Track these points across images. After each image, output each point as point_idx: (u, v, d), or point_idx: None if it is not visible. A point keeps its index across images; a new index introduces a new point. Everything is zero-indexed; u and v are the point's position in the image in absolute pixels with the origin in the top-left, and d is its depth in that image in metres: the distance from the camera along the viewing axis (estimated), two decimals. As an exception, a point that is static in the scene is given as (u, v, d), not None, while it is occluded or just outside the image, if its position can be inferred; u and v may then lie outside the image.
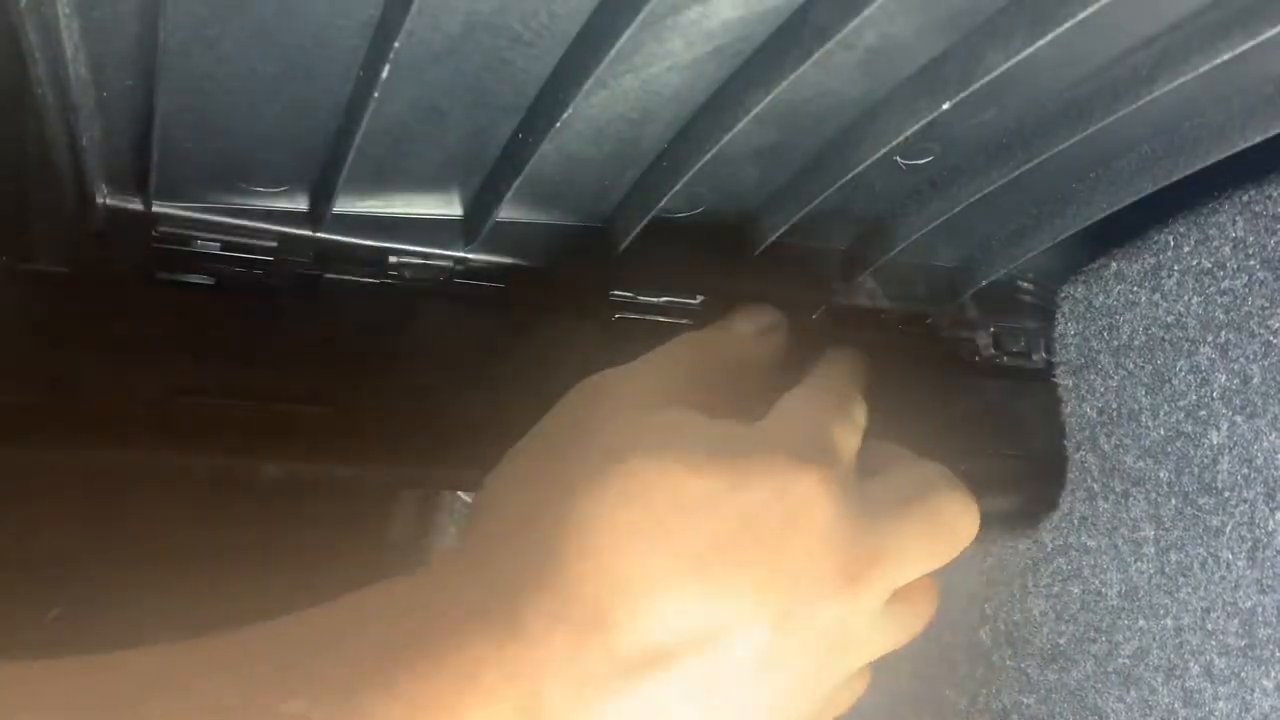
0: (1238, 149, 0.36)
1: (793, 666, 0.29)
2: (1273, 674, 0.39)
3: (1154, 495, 0.43)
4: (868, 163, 0.35)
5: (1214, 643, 0.41)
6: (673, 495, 0.28)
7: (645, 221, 0.37)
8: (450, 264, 0.38)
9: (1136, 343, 0.43)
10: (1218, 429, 0.40)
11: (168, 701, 0.24)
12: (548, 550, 0.27)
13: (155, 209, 0.33)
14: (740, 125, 0.32)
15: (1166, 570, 0.43)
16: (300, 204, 0.35)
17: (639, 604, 0.27)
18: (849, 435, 0.33)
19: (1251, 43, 0.30)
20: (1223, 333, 0.40)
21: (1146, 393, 0.43)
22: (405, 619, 0.27)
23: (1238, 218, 0.40)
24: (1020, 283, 0.49)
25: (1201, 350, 0.41)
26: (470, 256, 0.38)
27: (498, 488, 0.33)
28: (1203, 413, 0.41)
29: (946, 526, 0.34)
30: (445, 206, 0.37)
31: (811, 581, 0.29)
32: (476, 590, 0.27)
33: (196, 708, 0.24)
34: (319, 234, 0.35)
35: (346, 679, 0.25)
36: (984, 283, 0.46)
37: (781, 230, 0.40)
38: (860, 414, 0.35)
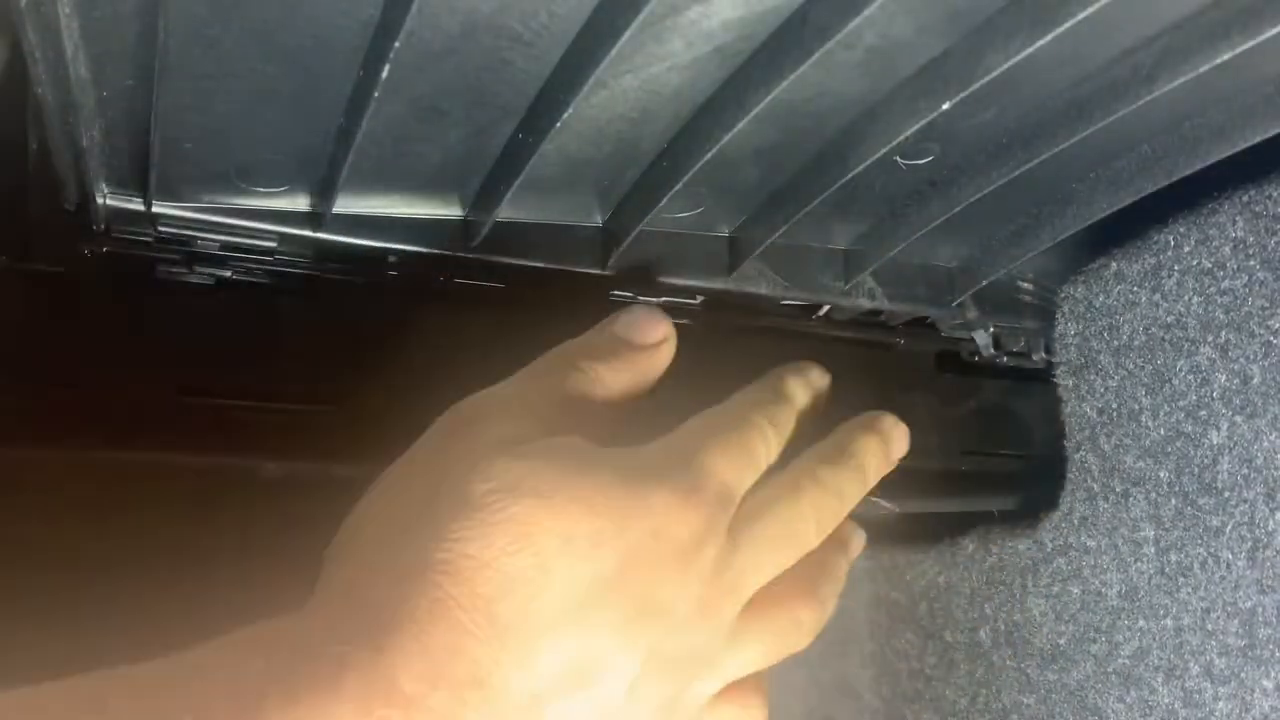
0: (1238, 149, 0.36)
1: (659, 695, 0.29)
2: (1273, 674, 0.39)
3: (1154, 495, 0.43)
4: (868, 163, 0.35)
5: (1214, 643, 0.41)
6: (560, 540, 0.27)
7: (645, 221, 0.37)
8: (450, 264, 0.38)
9: (1136, 343, 0.43)
10: (1218, 429, 0.40)
11: None
12: (423, 594, 0.26)
13: (155, 209, 0.33)
14: (740, 125, 0.32)
15: (1166, 570, 0.43)
16: (300, 204, 0.35)
17: (523, 656, 0.26)
18: (740, 472, 0.32)
19: (1251, 43, 0.30)
20: (1223, 333, 0.40)
21: (1146, 393, 0.43)
22: (269, 673, 0.25)
23: (1238, 218, 0.40)
24: (1020, 283, 0.49)
25: (1201, 350, 0.41)
26: (470, 256, 0.38)
27: (367, 521, 0.30)
28: (1203, 413, 0.41)
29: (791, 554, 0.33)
30: (445, 206, 0.37)
31: (677, 615, 0.29)
32: (341, 643, 0.25)
33: None
34: (319, 234, 0.35)
35: None
36: (984, 283, 0.46)
37: (781, 230, 0.40)
38: (761, 447, 0.33)
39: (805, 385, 0.37)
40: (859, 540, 0.38)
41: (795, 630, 0.34)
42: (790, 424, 0.35)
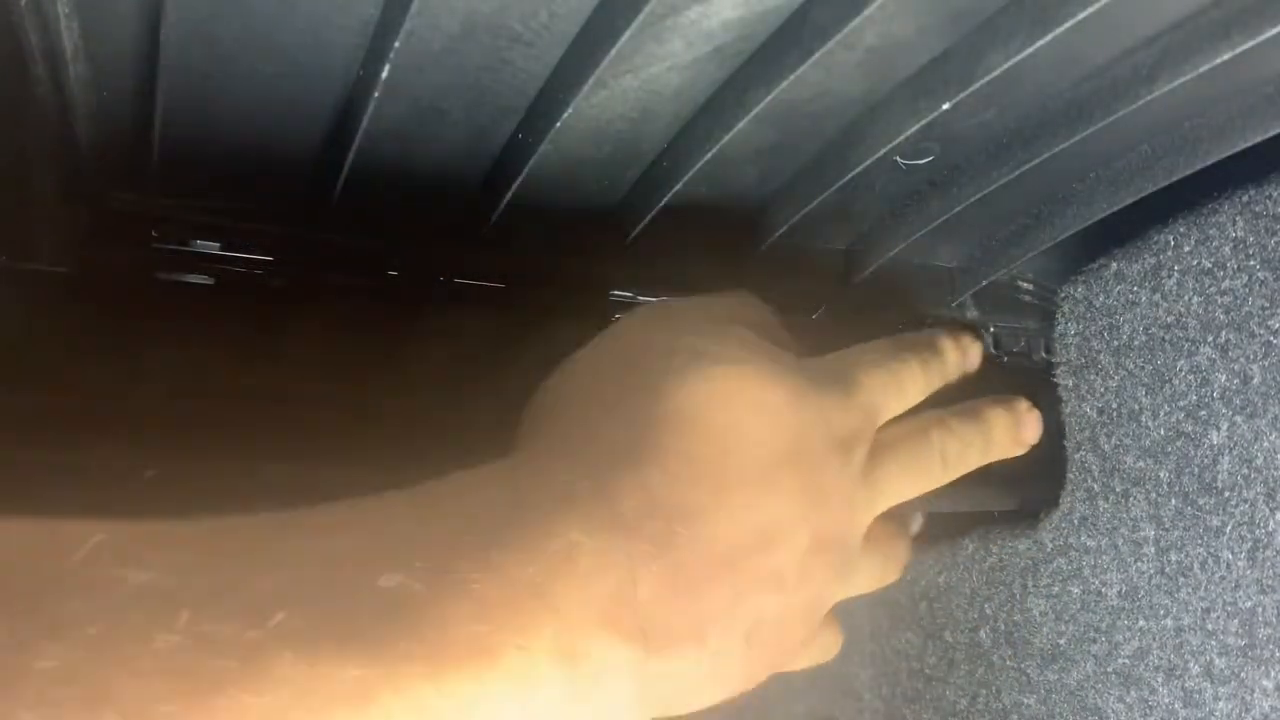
0: (1238, 149, 0.35)
1: (818, 580, 0.31)
2: (1273, 674, 0.39)
3: (1154, 495, 0.43)
4: (868, 163, 0.35)
5: (1214, 643, 0.41)
6: (755, 406, 0.30)
7: (645, 221, 0.37)
8: (450, 264, 0.38)
9: (1136, 343, 0.43)
10: (1218, 429, 0.40)
11: (268, 571, 0.23)
12: (638, 444, 0.29)
13: (155, 209, 0.33)
14: (740, 125, 0.32)
15: (1166, 570, 0.43)
16: (300, 204, 0.35)
17: (723, 503, 0.28)
18: (888, 397, 0.35)
19: (1251, 43, 0.30)
20: (1223, 333, 0.40)
21: (1146, 393, 0.43)
22: (498, 501, 0.27)
23: (1238, 218, 0.40)
24: (1020, 283, 0.49)
25: (1202, 350, 0.41)
26: (470, 256, 0.38)
27: (563, 391, 0.33)
28: (1203, 413, 0.41)
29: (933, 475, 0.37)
30: (445, 207, 0.37)
31: (833, 503, 0.32)
32: (567, 476, 0.28)
33: (296, 578, 0.23)
34: (319, 234, 0.35)
35: (443, 555, 0.24)
36: (984, 283, 0.46)
37: (781, 230, 0.40)
38: (910, 385, 0.37)
39: (957, 348, 0.41)
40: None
41: (893, 566, 0.38)
42: (938, 375, 0.39)
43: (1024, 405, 0.41)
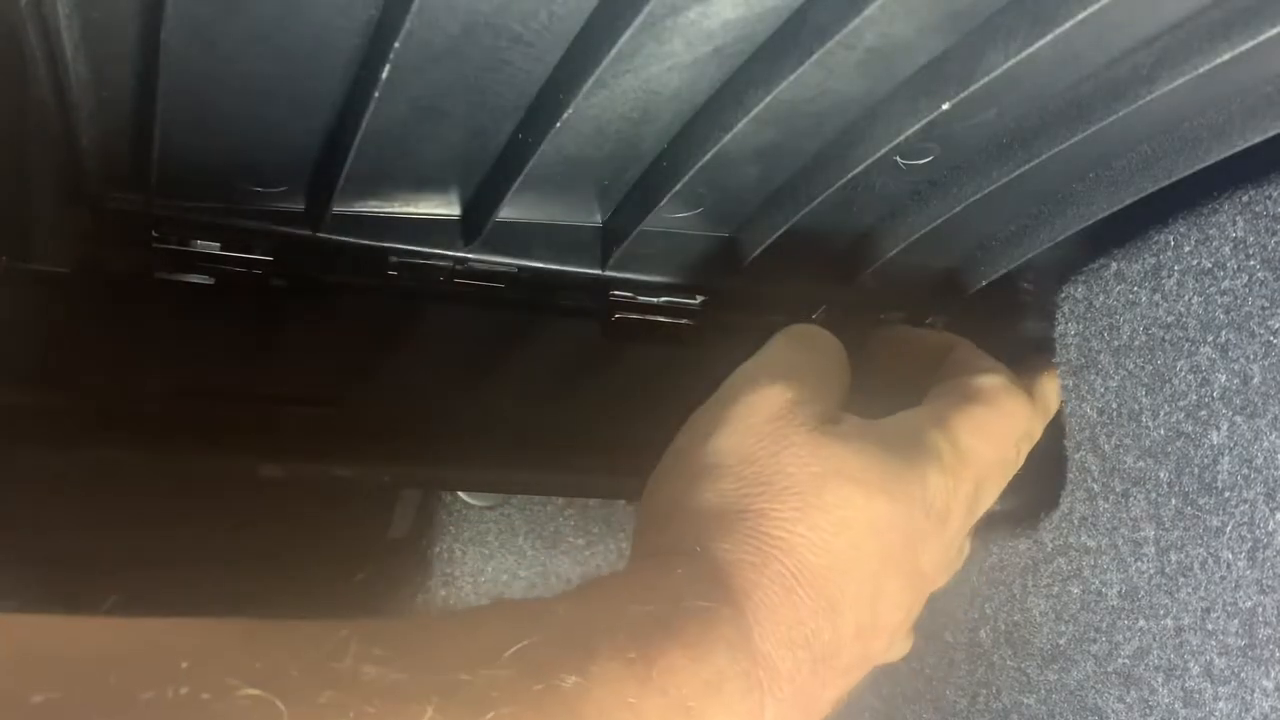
0: (1238, 149, 0.35)
1: (918, 606, 0.35)
2: (1273, 674, 0.39)
3: (1154, 495, 0.43)
4: (868, 163, 0.35)
5: (1214, 643, 0.41)
6: (869, 524, 0.32)
7: (645, 221, 0.37)
8: (450, 264, 0.38)
9: (1136, 343, 0.43)
10: (1218, 429, 0.40)
11: (485, 666, 0.24)
12: (769, 570, 0.30)
13: (155, 209, 0.33)
14: (740, 125, 0.32)
15: (1166, 570, 0.43)
16: (300, 204, 0.35)
17: (837, 621, 0.31)
18: (995, 452, 0.37)
19: (1251, 43, 0.30)
20: (1223, 333, 0.40)
21: (1146, 393, 0.43)
22: (656, 617, 0.28)
23: (1238, 218, 0.40)
24: (1020, 283, 0.49)
25: (1201, 350, 0.41)
26: (470, 256, 0.38)
27: (691, 481, 0.34)
28: (1203, 413, 0.41)
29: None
30: (445, 206, 0.37)
31: (932, 572, 0.35)
32: (711, 600, 0.29)
33: (492, 680, 0.24)
34: (319, 234, 0.35)
35: (610, 666, 0.26)
36: (984, 283, 0.46)
37: (781, 230, 0.40)
38: (1014, 448, 0.39)
39: (1052, 405, 0.43)
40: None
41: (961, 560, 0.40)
42: (1037, 434, 0.41)
43: (1045, 381, 0.44)
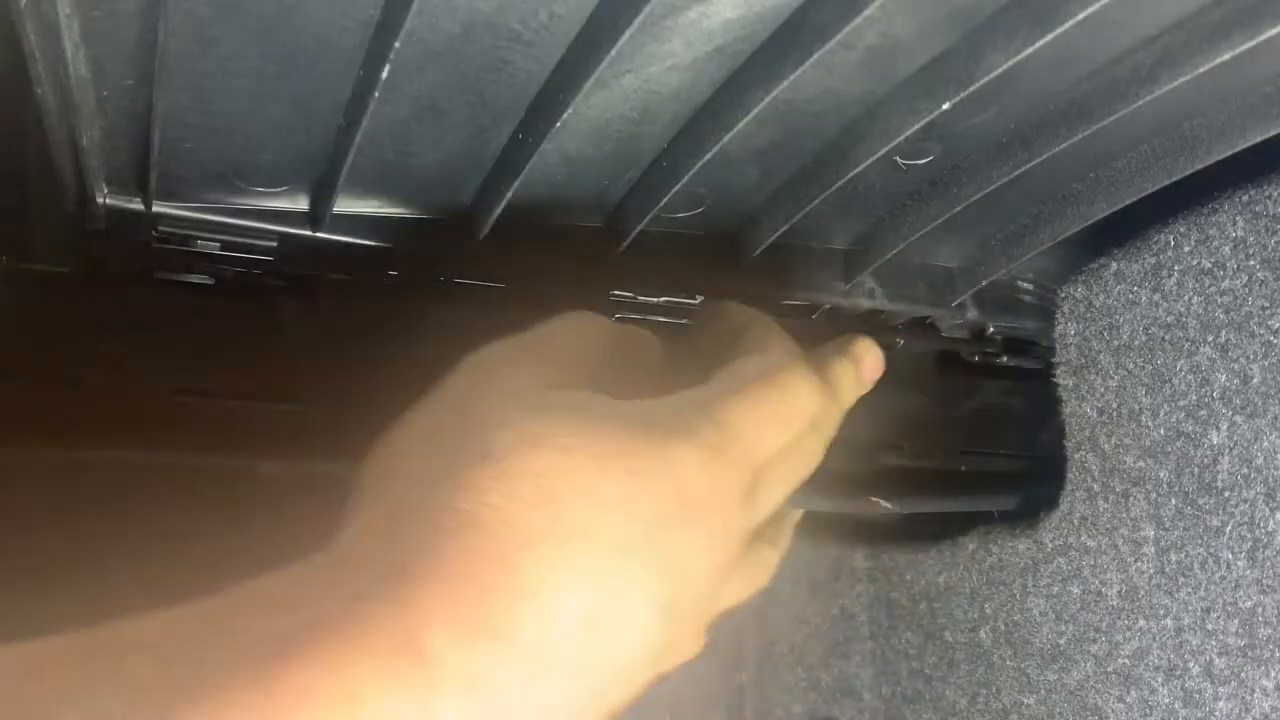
0: (1238, 149, 0.36)
1: (691, 610, 0.29)
2: (1273, 674, 0.39)
3: (1154, 495, 0.43)
4: (868, 163, 0.35)
5: (1214, 643, 0.41)
6: (581, 497, 0.27)
7: (645, 221, 0.37)
8: (450, 264, 0.38)
9: (1136, 343, 0.43)
10: (1218, 429, 0.40)
11: (72, 705, 0.22)
12: (449, 550, 0.26)
13: (155, 209, 0.33)
14: (740, 125, 0.32)
15: (1166, 570, 0.43)
16: (300, 204, 0.35)
17: (541, 610, 0.26)
18: (769, 434, 0.31)
19: (1251, 43, 0.30)
20: (1223, 333, 0.40)
21: (1146, 393, 0.43)
22: (292, 631, 0.24)
23: (1238, 218, 0.40)
24: (1020, 283, 0.49)
25: (1201, 350, 0.41)
26: (470, 256, 0.38)
27: (387, 464, 0.30)
28: (1203, 413, 0.41)
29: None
30: (445, 206, 0.37)
31: (700, 568, 0.29)
32: (368, 598, 0.25)
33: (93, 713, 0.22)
34: (319, 234, 0.35)
35: (223, 692, 0.22)
36: (984, 283, 0.46)
37: (781, 230, 0.40)
38: (799, 421, 0.33)
39: (857, 381, 0.38)
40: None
41: (764, 572, 0.36)
42: (831, 402, 0.35)
43: (862, 345, 0.38)
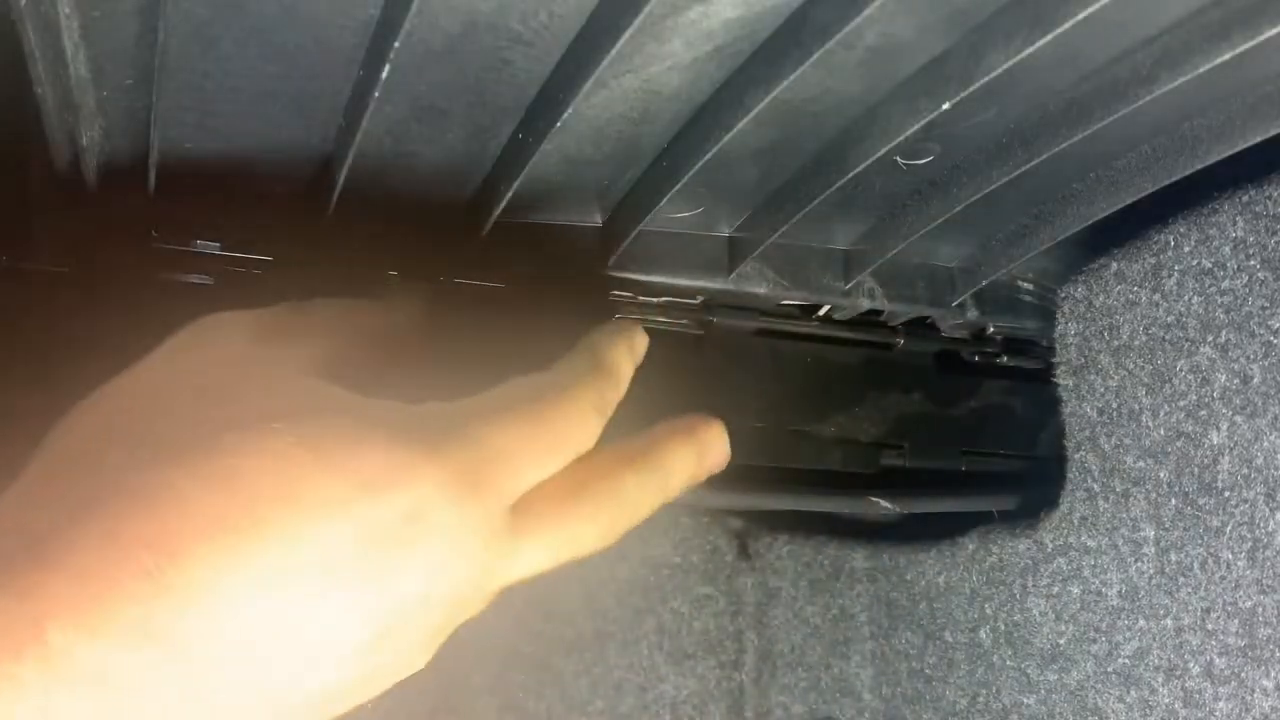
0: (1238, 149, 0.36)
1: (389, 673, 0.26)
2: (1273, 674, 0.39)
3: (1154, 495, 0.43)
4: (868, 162, 0.35)
5: (1214, 643, 0.41)
6: (287, 498, 0.23)
7: (645, 221, 0.37)
8: (450, 264, 0.38)
9: (1136, 343, 0.43)
10: (1218, 429, 0.40)
11: None
12: (99, 531, 0.22)
13: (155, 209, 0.33)
14: (740, 125, 0.32)
15: (1166, 570, 0.43)
16: (300, 204, 0.35)
17: (206, 618, 0.22)
18: (539, 456, 0.28)
19: (1251, 43, 0.30)
20: (1223, 333, 0.40)
21: (1146, 393, 0.43)
22: None
23: (1238, 218, 0.40)
24: (1020, 283, 0.49)
25: (1201, 350, 0.41)
26: (470, 256, 0.38)
27: (70, 429, 0.26)
28: (1203, 413, 0.41)
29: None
30: (446, 206, 0.37)
31: (421, 603, 0.25)
32: None
33: None
34: (319, 234, 0.35)
35: None
36: (984, 283, 0.46)
37: (781, 230, 0.40)
38: (578, 432, 0.29)
39: (631, 357, 0.33)
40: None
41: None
42: (614, 405, 0.31)
43: (712, 432, 0.33)
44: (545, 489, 0.28)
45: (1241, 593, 0.40)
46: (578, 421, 0.29)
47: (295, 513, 0.23)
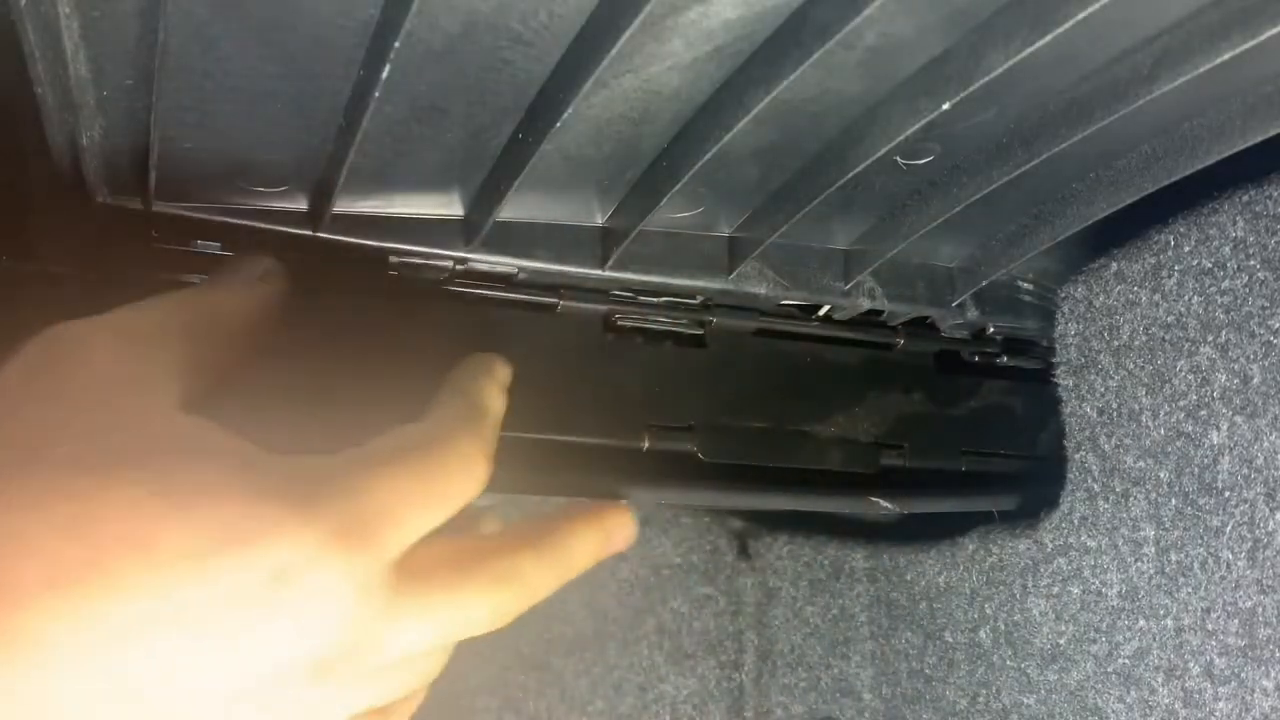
0: (1238, 149, 0.36)
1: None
2: (1273, 674, 0.39)
3: (1154, 495, 0.43)
4: (868, 163, 0.35)
5: (1214, 643, 0.41)
6: (139, 547, 0.22)
7: (645, 221, 0.37)
8: (450, 264, 0.38)
9: (1136, 343, 0.43)
10: (1218, 429, 0.40)
11: None
12: None
13: (155, 209, 0.33)
14: (740, 125, 0.32)
15: (1166, 570, 0.43)
16: (300, 204, 0.35)
17: (35, 665, 0.21)
18: (425, 511, 0.26)
19: (1251, 43, 0.30)
20: (1223, 333, 0.40)
21: (1146, 393, 0.43)
22: None
23: (1238, 218, 0.40)
24: (1020, 283, 0.49)
25: (1201, 350, 0.41)
26: (470, 256, 0.38)
27: None
28: (1203, 413, 0.41)
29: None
30: (445, 206, 0.37)
31: (284, 674, 0.24)
32: None
33: None
34: (319, 234, 0.35)
35: None
36: (984, 283, 0.46)
37: (781, 230, 0.40)
38: (465, 483, 0.28)
39: (502, 392, 0.32)
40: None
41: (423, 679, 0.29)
42: (494, 444, 0.30)
43: (618, 520, 0.33)
44: (435, 551, 0.27)
45: (1241, 593, 0.40)
46: (460, 469, 0.28)
47: (146, 565, 0.22)
